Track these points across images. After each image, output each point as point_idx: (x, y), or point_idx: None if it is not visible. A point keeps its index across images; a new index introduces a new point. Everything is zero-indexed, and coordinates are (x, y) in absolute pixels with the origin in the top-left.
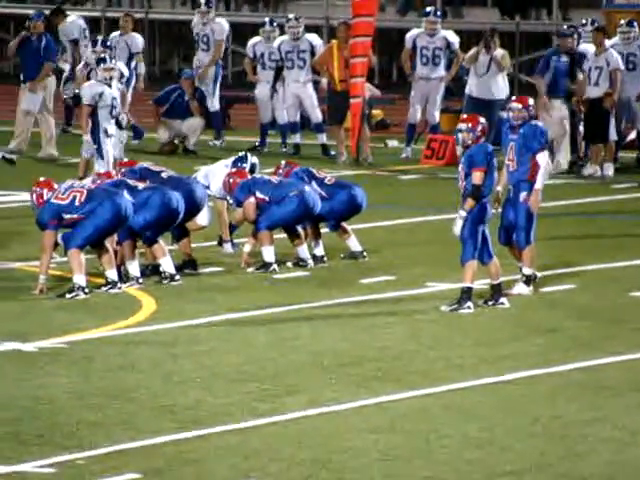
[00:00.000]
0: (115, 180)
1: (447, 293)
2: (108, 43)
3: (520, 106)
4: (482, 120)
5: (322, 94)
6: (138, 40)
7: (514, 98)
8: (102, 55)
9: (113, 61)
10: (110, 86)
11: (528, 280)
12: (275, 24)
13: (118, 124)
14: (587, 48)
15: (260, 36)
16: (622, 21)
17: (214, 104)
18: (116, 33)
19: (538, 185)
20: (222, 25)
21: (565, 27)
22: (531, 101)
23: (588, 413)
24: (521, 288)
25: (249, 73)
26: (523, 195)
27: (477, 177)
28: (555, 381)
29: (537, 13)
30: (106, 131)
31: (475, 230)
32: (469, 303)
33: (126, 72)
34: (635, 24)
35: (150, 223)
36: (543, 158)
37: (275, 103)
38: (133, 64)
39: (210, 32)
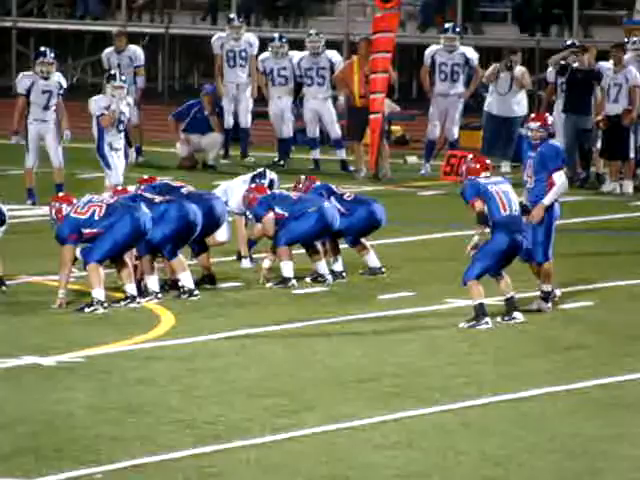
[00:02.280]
0: (132, 194)
1: (466, 309)
2: (123, 78)
3: (538, 124)
4: (550, 118)
5: (339, 111)
6: (140, 53)
7: (533, 116)
8: (112, 72)
9: (123, 78)
10: (121, 102)
11: (547, 297)
12: (284, 40)
13: (128, 141)
14: (603, 65)
15: (269, 52)
16: (635, 38)
17: (247, 121)
18: (109, 49)
19: (546, 201)
20: (255, 40)
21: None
22: (550, 119)
23: (607, 430)
24: (540, 304)
25: (263, 88)
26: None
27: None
28: (574, 398)
29: (558, 30)
30: (111, 145)
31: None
32: (486, 319)
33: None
34: None
35: (168, 236)
36: (559, 177)
37: (287, 117)
38: (132, 78)
39: (247, 46)
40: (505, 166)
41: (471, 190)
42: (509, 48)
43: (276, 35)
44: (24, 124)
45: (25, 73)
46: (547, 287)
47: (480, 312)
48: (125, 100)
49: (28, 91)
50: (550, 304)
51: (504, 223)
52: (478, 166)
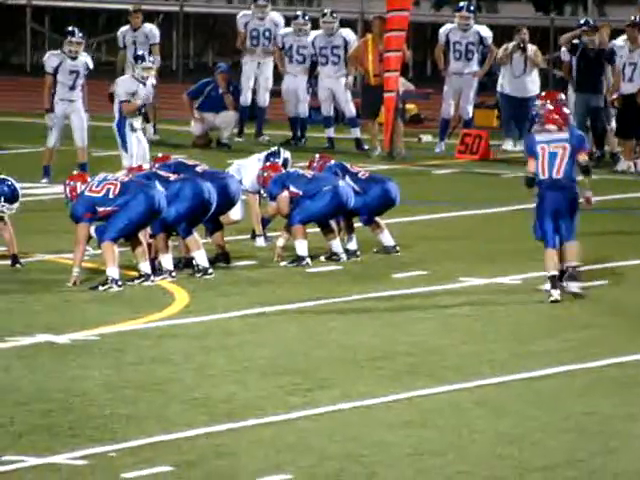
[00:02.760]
0: (147, 172)
1: (480, 288)
2: (151, 58)
3: (543, 102)
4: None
5: (348, 88)
6: (156, 31)
7: (542, 94)
8: (141, 52)
9: (151, 58)
10: (145, 85)
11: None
12: (307, 17)
13: (145, 117)
14: (616, 42)
15: (292, 28)
16: (638, 17)
17: (265, 100)
18: (125, 28)
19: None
20: (280, 19)
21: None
22: (561, 96)
23: (622, 409)
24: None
25: (279, 64)
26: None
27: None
28: (589, 377)
29: (573, 9)
30: (132, 125)
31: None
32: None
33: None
34: None
35: (182, 214)
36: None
37: (302, 96)
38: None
39: (271, 25)
40: (507, 144)
41: (526, 148)
42: (516, 27)
43: (299, 12)
44: (51, 102)
45: (53, 52)
46: (573, 263)
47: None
48: (151, 80)
49: (55, 70)
50: (581, 283)
51: (542, 186)
52: (554, 116)
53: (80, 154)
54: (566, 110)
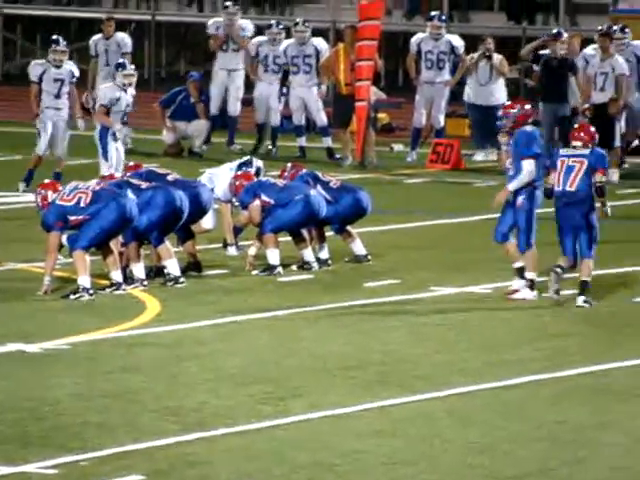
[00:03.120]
0: (118, 181)
1: (452, 297)
2: (132, 66)
3: (505, 112)
4: (516, 106)
5: (321, 98)
6: (128, 40)
7: (506, 104)
8: (121, 60)
9: (132, 66)
10: (126, 92)
11: (532, 285)
12: (281, 26)
13: (124, 123)
14: (587, 52)
15: (266, 37)
16: (615, 27)
17: (236, 109)
18: (97, 36)
19: (510, 187)
20: (249, 25)
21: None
22: (525, 106)
23: (593, 418)
24: (525, 293)
25: (251, 72)
26: (519, 200)
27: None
28: (560, 386)
29: (544, 18)
30: (114, 134)
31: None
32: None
33: (77, 72)
34: (627, 30)
35: (154, 222)
36: (528, 165)
37: (275, 105)
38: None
39: (240, 31)
40: (478, 155)
41: (551, 161)
42: (481, 37)
43: (273, 22)
44: (38, 111)
45: (37, 61)
46: (531, 275)
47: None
48: (132, 89)
49: (40, 79)
50: (536, 292)
51: (557, 196)
52: (581, 134)
53: (57, 163)
54: (592, 129)
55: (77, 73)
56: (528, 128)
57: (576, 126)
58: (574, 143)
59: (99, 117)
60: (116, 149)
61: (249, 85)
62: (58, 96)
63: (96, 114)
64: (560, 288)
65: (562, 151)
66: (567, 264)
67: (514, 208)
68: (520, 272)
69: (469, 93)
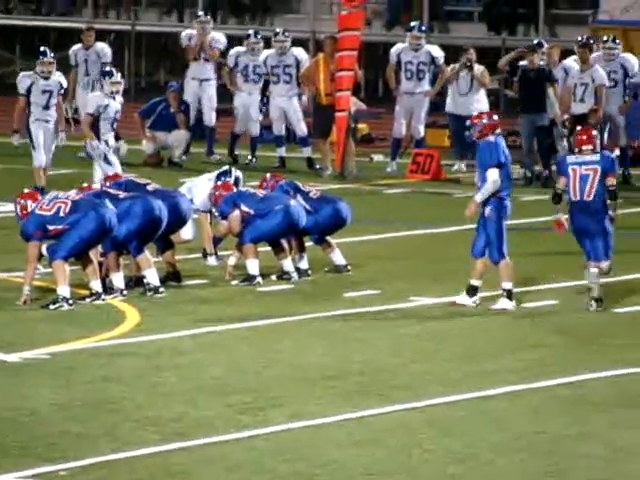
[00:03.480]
0: (97, 191)
1: (431, 307)
2: (119, 74)
3: (472, 122)
4: (483, 116)
5: (303, 108)
6: (107, 50)
7: (474, 115)
8: (108, 68)
9: (119, 75)
10: (114, 99)
11: (510, 295)
12: (259, 36)
13: (116, 136)
14: (566, 63)
15: (244, 47)
16: (605, 37)
17: (212, 119)
18: (77, 46)
19: (477, 197)
20: (221, 36)
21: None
22: (492, 117)
23: (572, 429)
24: (504, 303)
25: (228, 83)
26: (486, 211)
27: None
28: (539, 397)
29: (525, 29)
30: (107, 142)
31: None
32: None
33: (65, 83)
34: (619, 41)
35: (133, 232)
36: (492, 174)
37: (255, 115)
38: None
39: (212, 42)
40: (459, 165)
41: (558, 168)
42: (463, 47)
43: (251, 31)
44: (25, 123)
45: (25, 73)
46: (508, 285)
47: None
48: (119, 97)
49: (28, 91)
50: (514, 302)
51: (573, 206)
52: (586, 138)
53: (39, 173)
54: (595, 133)
55: (65, 84)
56: (491, 138)
57: (580, 130)
58: (584, 148)
59: (84, 126)
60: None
61: (229, 95)
62: (47, 107)
63: (82, 123)
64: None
65: (570, 159)
66: (597, 264)
67: (484, 220)
68: (471, 290)
69: (450, 103)
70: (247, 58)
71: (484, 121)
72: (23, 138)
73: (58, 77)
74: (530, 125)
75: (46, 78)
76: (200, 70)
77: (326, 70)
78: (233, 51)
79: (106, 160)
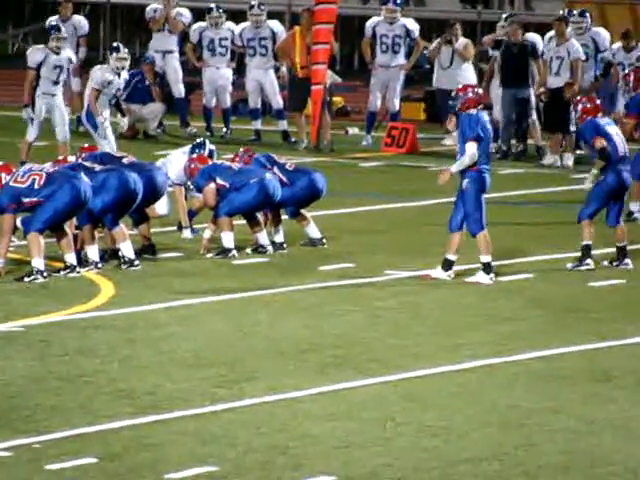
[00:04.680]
0: (72, 163)
1: (406, 281)
2: (126, 50)
3: (456, 94)
4: (468, 89)
5: (283, 81)
6: (84, 23)
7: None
8: (115, 44)
9: (126, 49)
10: (119, 75)
11: (487, 268)
12: (221, 10)
13: (120, 110)
14: (535, 37)
15: (206, 22)
16: (575, 11)
17: (180, 90)
18: (54, 18)
19: (452, 168)
20: (186, 10)
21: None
22: (476, 90)
23: (545, 402)
24: (480, 277)
25: (192, 59)
26: (464, 184)
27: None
28: (513, 370)
29: (499, 2)
30: (102, 114)
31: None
32: (589, 260)
33: (74, 59)
34: (587, 15)
35: (109, 205)
36: (468, 147)
37: (226, 88)
38: (76, 47)
39: (176, 15)
40: (449, 139)
41: (591, 129)
42: (448, 21)
43: (213, 6)
44: (32, 96)
45: (36, 47)
46: (486, 258)
47: (586, 253)
48: (125, 72)
49: (39, 65)
50: (492, 275)
51: (617, 163)
52: (591, 106)
53: (62, 149)
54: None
55: (75, 60)
56: (472, 111)
57: (591, 98)
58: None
59: (91, 101)
60: (108, 128)
61: (195, 69)
62: (56, 82)
63: (89, 97)
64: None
65: (603, 120)
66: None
67: (462, 194)
68: (447, 264)
69: (435, 78)
70: (211, 32)
71: (469, 94)
72: (46, 113)
73: (68, 53)
74: (511, 99)
75: (57, 53)
76: (164, 42)
77: (302, 43)
78: (196, 26)
79: (100, 134)
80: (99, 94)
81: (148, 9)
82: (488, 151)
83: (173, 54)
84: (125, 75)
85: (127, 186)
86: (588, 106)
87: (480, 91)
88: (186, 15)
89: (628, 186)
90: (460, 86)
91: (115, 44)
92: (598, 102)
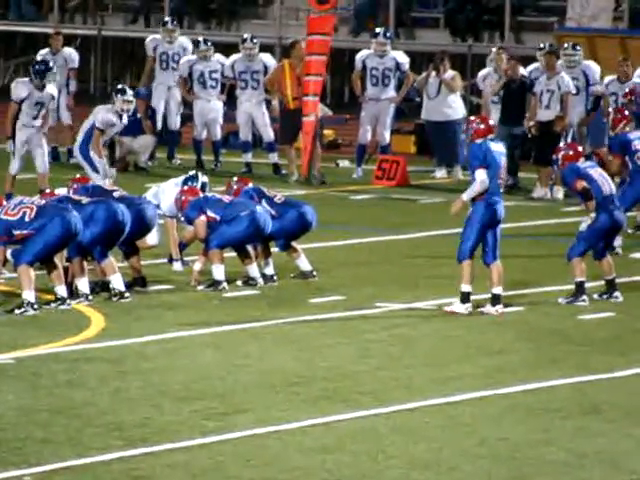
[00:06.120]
0: (59, 196)
1: (397, 313)
2: (131, 92)
3: (468, 125)
4: (477, 120)
5: (274, 114)
6: (75, 56)
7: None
8: (121, 86)
9: (130, 93)
10: (122, 119)
11: (465, 298)
12: (209, 43)
13: (112, 154)
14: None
15: (195, 56)
16: (566, 44)
17: (176, 123)
18: (44, 51)
19: (464, 196)
20: (189, 44)
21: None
22: (488, 122)
23: (535, 435)
24: (456, 306)
25: (183, 92)
26: (470, 211)
27: (478, 174)
28: (503, 403)
29: (489, 35)
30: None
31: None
32: (584, 297)
33: (56, 94)
34: (579, 48)
35: (97, 237)
36: (479, 174)
37: (217, 120)
38: (66, 80)
39: (180, 50)
40: (440, 171)
41: (571, 174)
42: (440, 52)
43: (200, 39)
44: (12, 129)
45: (21, 80)
46: (466, 287)
47: (580, 290)
48: (126, 116)
49: (22, 99)
50: (468, 305)
51: (606, 203)
52: (572, 153)
53: (41, 180)
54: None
55: (56, 95)
56: (478, 141)
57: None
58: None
59: (96, 141)
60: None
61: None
62: (36, 118)
63: (87, 133)
64: None
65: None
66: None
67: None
68: (462, 296)
69: (424, 108)
70: (201, 65)
71: (480, 126)
72: (27, 145)
73: (51, 90)
74: (507, 134)
75: (41, 89)
76: (168, 77)
77: (292, 74)
78: (184, 59)
79: (94, 168)
80: (102, 134)
81: (148, 43)
82: (497, 181)
83: (177, 87)
84: (125, 120)
85: (115, 217)
86: (570, 153)
87: (491, 122)
88: (189, 49)
89: (621, 225)
90: (447, 119)
91: (120, 86)
92: (580, 148)
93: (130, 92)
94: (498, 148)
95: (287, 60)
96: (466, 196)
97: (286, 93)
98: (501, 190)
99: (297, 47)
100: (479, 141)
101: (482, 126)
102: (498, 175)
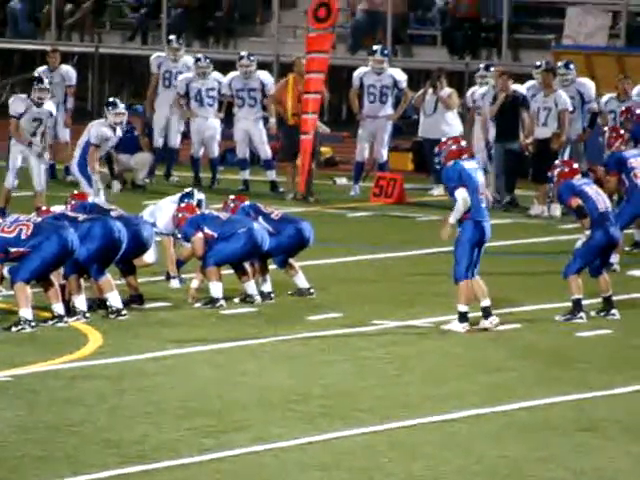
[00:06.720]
0: (56, 214)
1: (394, 331)
2: (122, 104)
3: (439, 148)
4: (449, 142)
5: (272, 132)
6: (72, 73)
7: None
8: (112, 99)
9: (122, 106)
10: (115, 132)
11: (461, 317)
12: (208, 60)
13: (111, 170)
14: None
15: (192, 73)
16: (559, 63)
17: (177, 142)
18: (42, 68)
19: (450, 218)
20: (192, 63)
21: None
22: (460, 143)
23: (533, 453)
24: (454, 325)
25: (178, 109)
26: (457, 231)
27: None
28: (500, 420)
29: (487, 53)
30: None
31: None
32: (581, 314)
33: (54, 111)
34: (572, 66)
35: (93, 254)
36: (459, 193)
37: (214, 138)
38: (64, 97)
39: (184, 69)
40: (437, 189)
41: (567, 191)
42: (437, 69)
43: (200, 56)
44: (7, 144)
45: (20, 96)
46: (462, 307)
47: (577, 307)
48: (119, 129)
49: (20, 115)
50: (465, 324)
51: (601, 220)
52: (568, 170)
53: (38, 198)
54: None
55: (54, 112)
56: (450, 163)
57: (614, 127)
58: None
59: (92, 156)
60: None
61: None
62: (34, 134)
63: (83, 149)
64: None
65: (626, 153)
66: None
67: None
68: (460, 315)
69: (421, 126)
70: (198, 83)
71: (452, 147)
72: (23, 162)
73: (49, 106)
74: (502, 151)
75: (39, 105)
76: (171, 94)
77: (294, 90)
78: (182, 77)
79: (90, 184)
80: (97, 149)
81: (153, 61)
82: (478, 197)
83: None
84: (119, 132)
85: (111, 235)
86: (566, 170)
87: (463, 143)
88: (192, 68)
89: (617, 241)
90: (443, 137)
91: (112, 99)
92: (575, 165)
93: (122, 105)
94: (471, 165)
95: (292, 74)
96: (452, 219)
97: (287, 108)
98: (484, 205)
99: (298, 63)
100: (451, 163)
101: (454, 147)
102: (477, 191)
